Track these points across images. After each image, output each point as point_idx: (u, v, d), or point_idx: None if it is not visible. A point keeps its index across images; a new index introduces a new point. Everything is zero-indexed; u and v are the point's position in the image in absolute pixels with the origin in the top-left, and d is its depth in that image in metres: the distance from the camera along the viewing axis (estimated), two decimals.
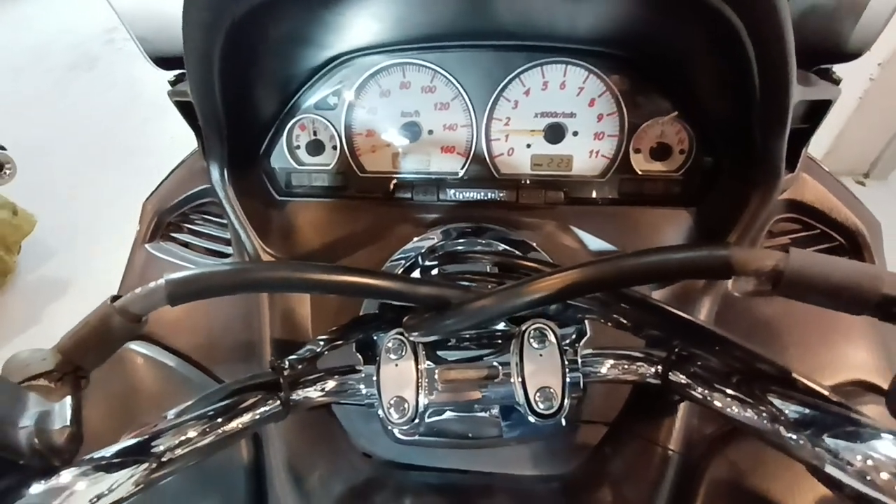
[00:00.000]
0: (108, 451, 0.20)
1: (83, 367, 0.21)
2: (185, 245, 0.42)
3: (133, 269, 0.42)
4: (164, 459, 0.22)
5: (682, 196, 0.38)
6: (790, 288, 0.18)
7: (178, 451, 0.22)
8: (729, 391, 0.24)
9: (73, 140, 2.11)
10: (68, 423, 0.20)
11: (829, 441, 0.18)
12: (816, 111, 0.32)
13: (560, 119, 0.38)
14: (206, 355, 0.38)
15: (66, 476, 0.19)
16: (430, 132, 0.39)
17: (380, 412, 0.27)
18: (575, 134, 0.38)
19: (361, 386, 0.29)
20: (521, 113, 0.38)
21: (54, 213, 1.62)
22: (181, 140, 0.42)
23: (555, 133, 0.38)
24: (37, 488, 0.18)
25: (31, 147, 1.69)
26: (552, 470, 0.34)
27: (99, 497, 0.19)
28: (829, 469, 0.18)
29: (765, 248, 0.20)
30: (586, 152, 0.38)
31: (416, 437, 0.31)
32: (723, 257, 0.19)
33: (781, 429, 0.20)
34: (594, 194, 0.39)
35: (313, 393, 0.29)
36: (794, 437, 0.20)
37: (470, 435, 0.31)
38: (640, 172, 0.38)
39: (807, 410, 0.20)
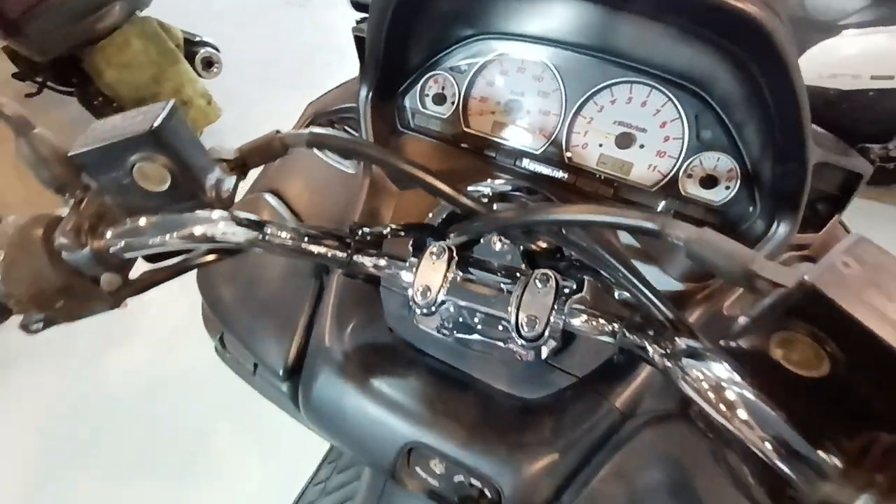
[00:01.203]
0: (241, 215, 0.33)
1: (248, 165, 0.34)
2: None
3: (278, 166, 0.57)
4: (268, 235, 0.34)
5: (714, 226, 0.43)
6: (692, 258, 0.25)
7: (278, 237, 0.34)
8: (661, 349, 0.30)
9: (271, 61, 2.49)
10: (231, 189, 0.32)
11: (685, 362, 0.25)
12: (850, 184, 0.36)
13: (633, 130, 0.45)
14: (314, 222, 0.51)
15: (222, 215, 0.32)
16: (528, 112, 0.49)
17: (409, 293, 0.37)
18: (641, 146, 0.45)
19: (403, 273, 0.37)
20: (603, 116, 0.46)
21: (237, 114, 1.94)
22: None
23: (625, 140, 0.46)
24: (210, 214, 0.31)
25: (238, 59, 2.04)
26: (519, 392, 0.42)
27: (226, 235, 0.32)
28: (681, 385, 0.25)
29: (684, 224, 0.26)
30: (646, 164, 0.45)
31: (429, 330, 0.41)
32: (653, 227, 0.27)
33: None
34: (638, 200, 0.46)
35: (368, 262, 0.38)
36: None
37: (468, 338, 0.40)
38: (684, 194, 0.44)
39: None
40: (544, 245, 0.41)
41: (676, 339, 0.27)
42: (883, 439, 0.18)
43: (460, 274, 0.38)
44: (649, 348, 0.30)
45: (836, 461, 0.19)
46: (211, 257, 0.36)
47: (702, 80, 0.41)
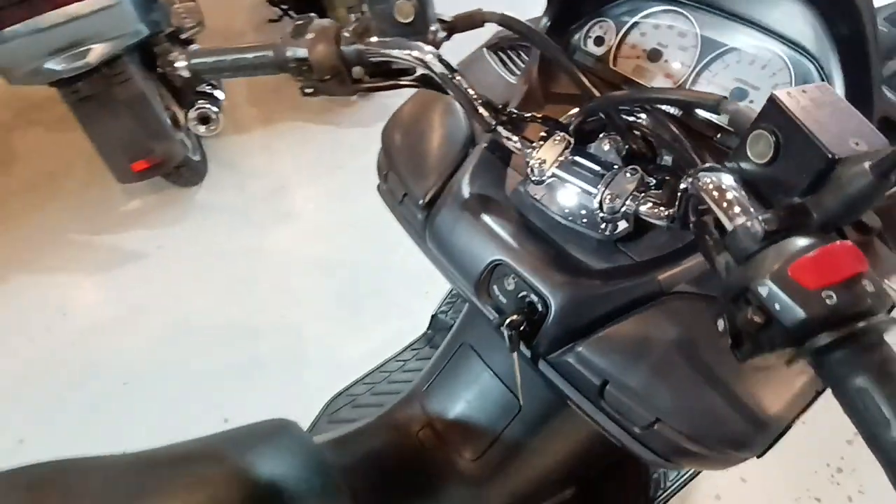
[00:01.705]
0: (443, 56, 0.50)
1: (456, 27, 0.51)
2: (503, 60, 0.71)
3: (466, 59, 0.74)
4: (455, 78, 0.50)
5: None
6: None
7: (460, 84, 0.50)
8: None
9: None
10: (442, 39, 0.50)
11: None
12: None
13: (748, 87, 0.55)
14: None
15: (431, 50, 0.49)
16: (666, 61, 0.60)
17: (529, 164, 0.51)
18: (751, 102, 0.54)
19: (528, 150, 0.51)
20: (726, 73, 0.56)
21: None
22: None
23: (739, 96, 0.55)
24: (425, 47, 0.49)
25: None
26: (586, 260, 0.54)
27: (431, 64, 0.49)
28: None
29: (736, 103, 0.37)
30: None
31: (534, 198, 0.54)
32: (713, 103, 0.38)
33: None
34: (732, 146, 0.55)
35: (505, 134, 0.52)
36: None
37: (562, 212, 0.54)
38: None
39: None
40: (642, 150, 0.53)
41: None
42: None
43: (571, 157, 0.51)
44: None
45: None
46: (408, 82, 0.53)
47: (811, 49, 0.49)
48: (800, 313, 0.25)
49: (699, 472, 0.87)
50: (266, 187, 2.00)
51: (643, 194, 0.47)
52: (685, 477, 0.87)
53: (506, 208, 0.59)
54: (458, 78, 0.50)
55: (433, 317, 1.21)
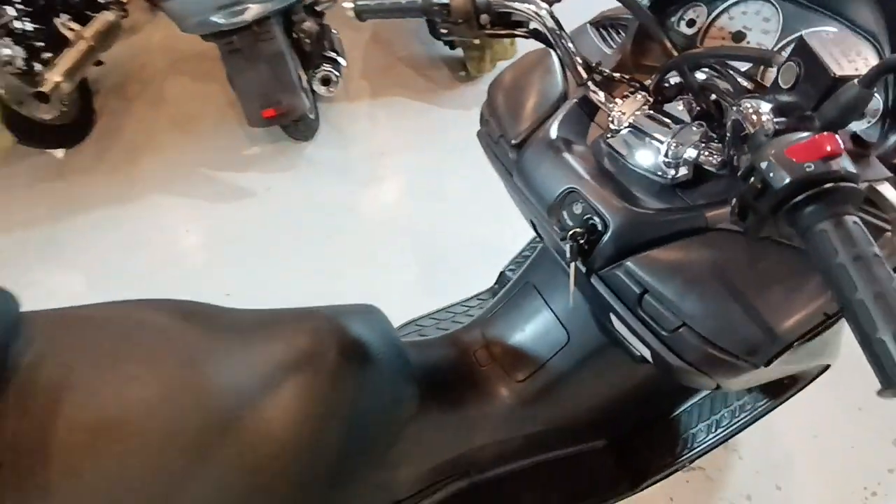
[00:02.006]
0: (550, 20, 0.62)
1: None
2: (603, 36, 0.82)
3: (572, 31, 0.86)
4: (561, 36, 0.62)
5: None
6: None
7: (562, 36, 0.63)
8: None
9: None
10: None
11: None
12: None
13: None
14: None
15: (546, 8, 0.62)
16: (748, 42, 0.68)
17: (611, 113, 0.62)
18: None
19: (611, 104, 0.62)
20: None
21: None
22: None
23: None
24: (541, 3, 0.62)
25: None
26: (646, 199, 0.64)
27: (540, 17, 0.61)
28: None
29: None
30: None
31: (613, 146, 0.65)
32: (768, 56, 0.47)
33: None
34: None
35: (594, 89, 0.64)
36: None
37: (633, 154, 0.64)
38: None
39: None
40: (710, 111, 0.62)
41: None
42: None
43: (648, 112, 0.62)
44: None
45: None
46: (522, 33, 0.66)
47: (877, 35, 0.57)
48: (786, 177, 0.35)
49: (726, 438, 0.93)
50: (366, 152, 2.21)
51: (704, 145, 0.57)
52: (711, 440, 0.93)
53: (584, 152, 0.70)
54: (564, 35, 0.62)
55: (501, 273, 1.34)
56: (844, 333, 0.57)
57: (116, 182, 2.15)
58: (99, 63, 2.47)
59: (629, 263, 0.60)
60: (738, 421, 0.91)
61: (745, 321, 0.53)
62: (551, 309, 0.90)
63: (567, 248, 0.63)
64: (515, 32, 0.65)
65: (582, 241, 0.62)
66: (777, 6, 0.66)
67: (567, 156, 0.68)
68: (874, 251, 0.32)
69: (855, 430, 1.29)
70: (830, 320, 0.52)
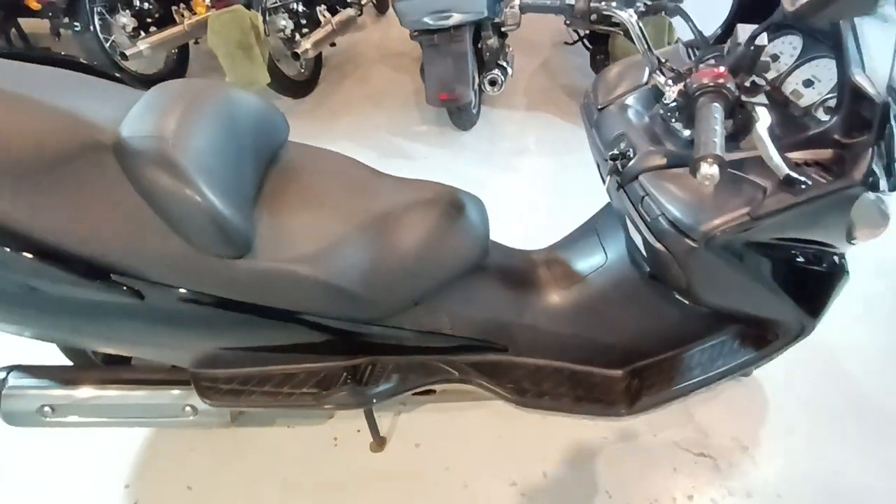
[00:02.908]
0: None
1: None
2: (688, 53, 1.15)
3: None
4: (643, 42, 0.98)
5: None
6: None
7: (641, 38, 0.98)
8: None
9: None
10: None
11: None
12: None
13: (814, 79, 0.89)
14: None
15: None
16: (813, 88, 0.95)
17: (666, 91, 0.96)
18: (813, 87, 0.89)
19: (668, 87, 0.96)
20: (807, 69, 0.92)
21: None
22: None
23: (807, 83, 0.90)
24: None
25: None
26: (666, 146, 0.95)
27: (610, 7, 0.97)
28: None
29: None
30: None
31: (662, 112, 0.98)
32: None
33: None
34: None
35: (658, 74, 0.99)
36: None
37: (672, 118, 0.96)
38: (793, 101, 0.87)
39: None
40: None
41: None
42: None
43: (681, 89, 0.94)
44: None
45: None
46: (616, 31, 1.02)
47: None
48: (695, 83, 0.70)
49: (714, 380, 1.14)
50: (509, 148, 2.66)
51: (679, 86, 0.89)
52: (702, 379, 1.15)
53: (642, 115, 1.03)
54: (643, 34, 0.98)
55: None
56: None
57: (321, 129, 2.86)
58: (333, 45, 3.31)
59: (641, 178, 0.93)
60: (727, 366, 1.13)
61: (694, 214, 0.83)
62: (601, 242, 1.22)
63: (608, 165, 0.97)
64: (613, 30, 1.02)
65: (617, 161, 0.96)
66: (799, 42, 0.94)
67: (629, 115, 1.03)
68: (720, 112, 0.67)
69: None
70: (754, 222, 0.80)
